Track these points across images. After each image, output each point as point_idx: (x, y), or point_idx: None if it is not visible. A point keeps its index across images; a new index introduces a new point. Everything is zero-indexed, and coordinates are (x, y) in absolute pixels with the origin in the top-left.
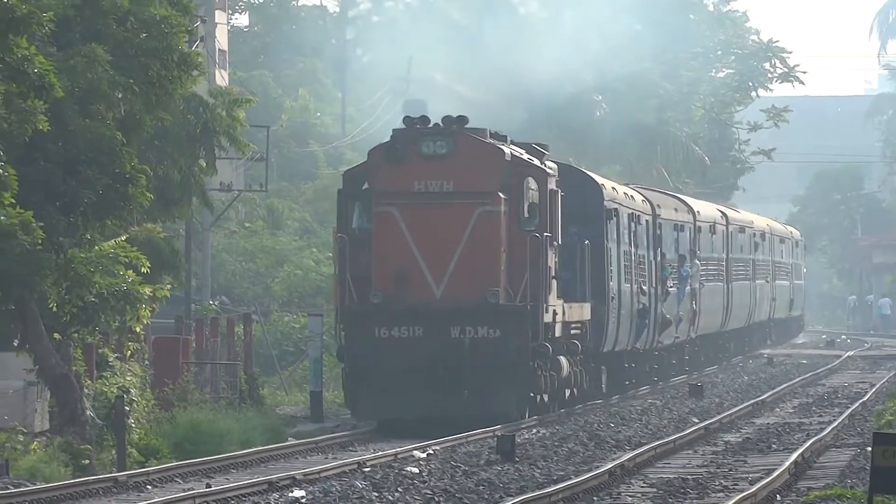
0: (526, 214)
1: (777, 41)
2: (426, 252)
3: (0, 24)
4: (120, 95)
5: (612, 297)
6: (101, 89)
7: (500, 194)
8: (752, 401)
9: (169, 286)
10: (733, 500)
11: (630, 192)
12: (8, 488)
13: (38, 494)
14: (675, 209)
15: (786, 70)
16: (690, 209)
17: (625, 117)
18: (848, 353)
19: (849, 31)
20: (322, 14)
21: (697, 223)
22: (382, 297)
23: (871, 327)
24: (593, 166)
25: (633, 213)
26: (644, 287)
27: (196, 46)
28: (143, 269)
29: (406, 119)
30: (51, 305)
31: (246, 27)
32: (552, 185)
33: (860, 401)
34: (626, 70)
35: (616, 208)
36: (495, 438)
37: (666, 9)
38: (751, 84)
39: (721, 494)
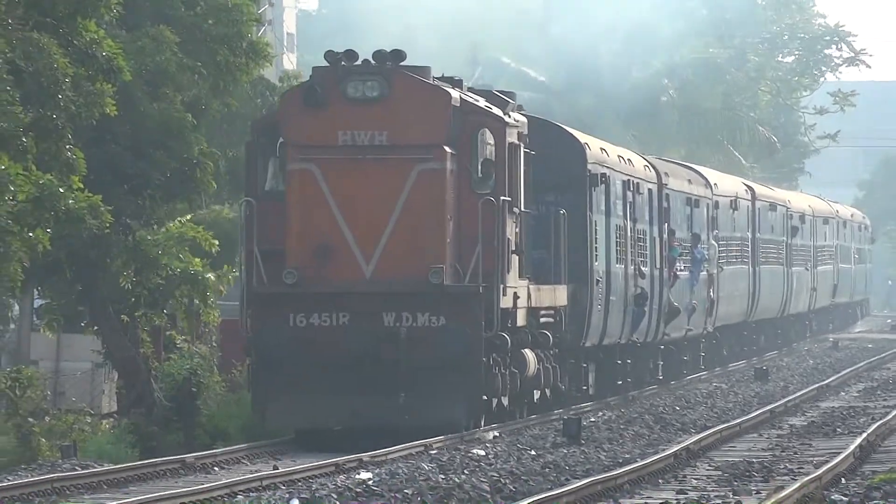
0: (479, 174)
1: (843, 25)
2: (353, 220)
3: (68, 6)
4: (187, 79)
5: (598, 280)
6: (170, 72)
7: (446, 148)
8: (817, 384)
9: (235, 271)
10: (798, 484)
11: (629, 155)
12: (76, 469)
13: (105, 476)
14: (689, 180)
15: (852, 54)
16: (707, 181)
17: (691, 102)
18: None
19: None
20: None
21: (715, 197)
22: (298, 277)
23: None
24: (658, 151)
25: (630, 180)
26: (644, 269)
27: (264, 31)
28: (212, 250)
29: (328, 54)
30: (123, 284)
31: (314, 11)
32: (513, 138)
33: None
34: (693, 55)
35: (605, 173)
36: (562, 421)
37: None
38: (817, 69)
39: (786, 477)
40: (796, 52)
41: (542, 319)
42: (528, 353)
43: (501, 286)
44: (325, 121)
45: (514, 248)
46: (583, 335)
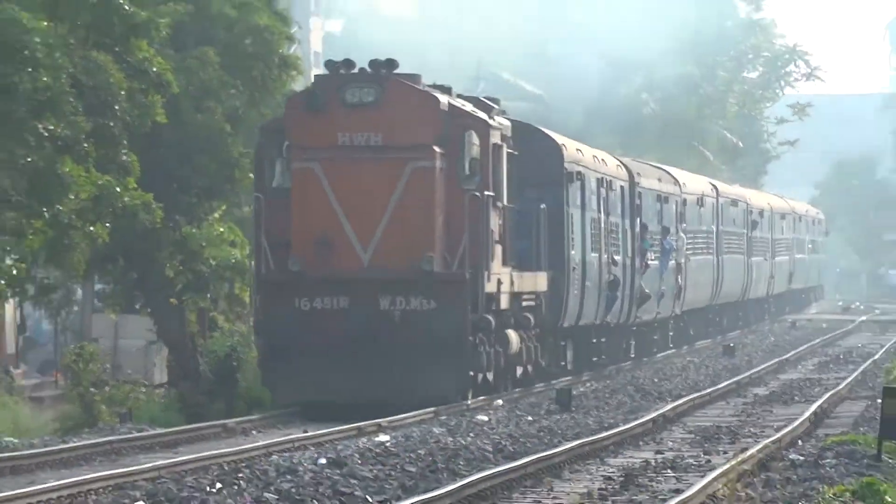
0: (466, 171)
1: (801, 45)
2: (352, 214)
3: (123, 28)
4: (227, 93)
5: (574, 267)
6: (212, 87)
7: (436, 148)
8: (778, 359)
9: None
10: (761, 445)
11: (602, 155)
12: (132, 433)
13: (157, 438)
14: (659, 179)
15: (809, 70)
16: (676, 180)
17: (669, 113)
18: (861, 318)
19: (865, 35)
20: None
21: (683, 194)
22: (302, 265)
23: (882, 296)
24: (640, 156)
25: (603, 177)
26: (616, 258)
27: (295, 48)
28: (245, 249)
29: (328, 63)
30: (168, 275)
31: (338, 32)
32: (497, 139)
33: (871, 359)
34: (671, 72)
35: (580, 171)
36: (555, 391)
37: (706, 17)
38: (778, 83)
39: (750, 440)
40: (760, 69)
41: (524, 303)
42: (512, 333)
43: (486, 273)
44: (326, 124)
45: (497, 239)
46: (561, 317)
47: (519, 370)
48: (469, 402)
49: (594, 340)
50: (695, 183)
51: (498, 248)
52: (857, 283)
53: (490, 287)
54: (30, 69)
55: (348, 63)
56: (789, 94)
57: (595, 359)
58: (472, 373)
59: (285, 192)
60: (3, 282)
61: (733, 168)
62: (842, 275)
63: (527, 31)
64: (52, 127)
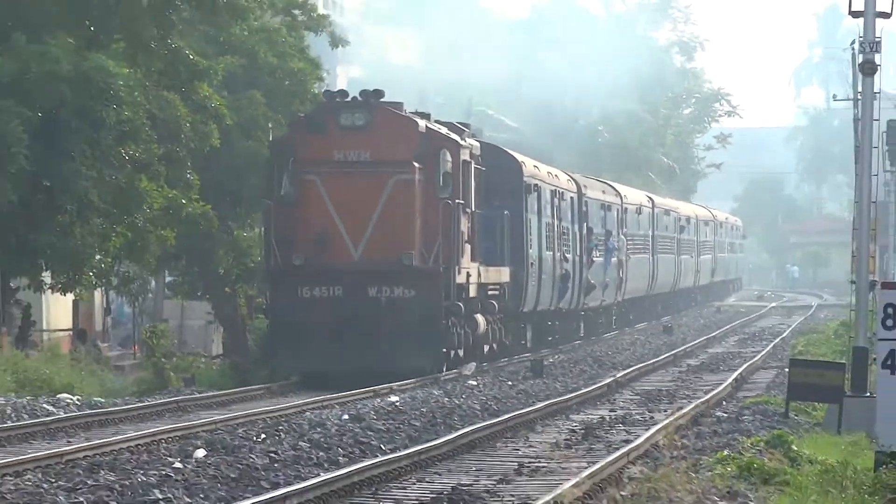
0: (440, 183)
1: (724, 88)
2: (345, 217)
3: (188, 73)
4: (270, 125)
5: (532, 263)
6: (258, 121)
7: (415, 163)
8: (706, 336)
9: None
10: (693, 405)
11: (556, 171)
12: (194, 394)
13: (214, 398)
14: (603, 191)
15: (730, 108)
16: (618, 193)
17: (619, 141)
18: (772, 304)
19: (775, 79)
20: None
21: (624, 204)
22: (304, 259)
23: (787, 286)
24: (597, 175)
25: (556, 189)
26: (567, 255)
27: (323, 88)
28: None
29: (326, 93)
30: (223, 269)
31: (359, 77)
32: (465, 156)
33: (780, 337)
34: (621, 108)
35: (537, 184)
36: (529, 362)
37: (649, 64)
38: (706, 118)
39: (685, 401)
40: (692, 107)
41: (490, 292)
42: (479, 317)
43: (457, 267)
44: (324, 143)
45: (467, 239)
46: (521, 303)
47: (486, 347)
48: (443, 374)
49: (549, 323)
50: (634, 195)
51: (467, 247)
52: (767, 276)
53: (460, 279)
54: (115, 106)
55: (343, 93)
56: (715, 127)
57: (550, 338)
58: (445, 350)
59: (290, 198)
60: (92, 274)
61: (670, 186)
62: (755, 270)
63: (506, 76)
64: (132, 152)
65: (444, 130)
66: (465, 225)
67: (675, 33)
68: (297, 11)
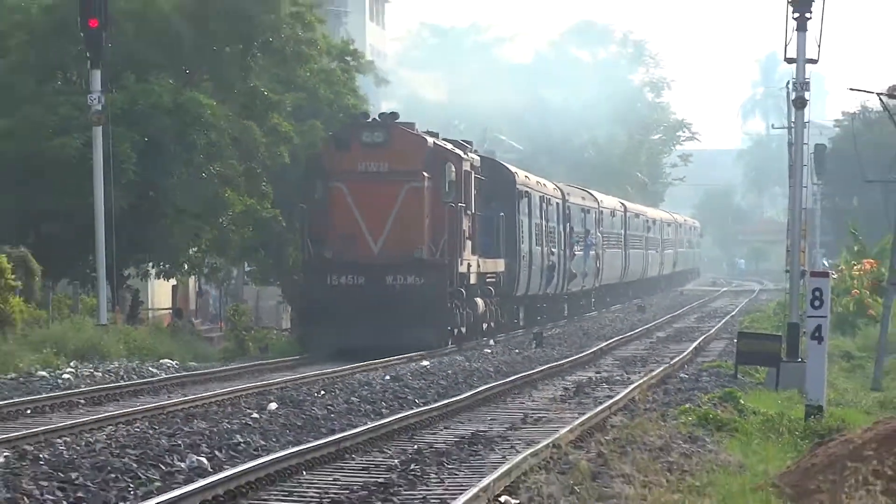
0: (446, 189)
1: (686, 119)
2: (367, 218)
3: (263, 106)
4: None
5: (524, 256)
6: (319, 145)
7: (424, 173)
8: (672, 314)
9: None
10: (661, 368)
11: (544, 181)
12: (268, 359)
13: (284, 363)
14: (583, 197)
15: (691, 134)
16: (595, 199)
17: (603, 160)
18: (723, 289)
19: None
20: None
21: (601, 208)
22: (333, 253)
23: (735, 275)
24: (584, 185)
25: (544, 195)
26: (553, 249)
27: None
28: None
29: (350, 117)
30: (291, 261)
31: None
32: (466, 167)
33: (730, 315)
34: (604, 133)
35: (527, 191)
36: (532, 334)
37: (627, 99)
38: (672, 142)
39: (655, 365)
40: (660, 133)
41: (488, 279)
42: (479, 300)
43: (460, 259)
44: (350, 157)
45: (468, 236)
46: (514, 289)
47: (485, 325)
48: (447, 348)
49: (538, 305)
50: (609, 201)
51: (468, 242)
52: (720, 267)
53: (462, 269)
54: (205, 132)
55: (364, 115)
56: (678, 149)
57: (539, 318)
58: (449, 328)
59: (322, 203)
60: (186, 265)
61: (643, 195)
62: (710, 262)
63: (514, 108)
64: (218, 168)
65: (449, 146)
66: (466, 224)
67: (646, 75)
68: (348, 58)
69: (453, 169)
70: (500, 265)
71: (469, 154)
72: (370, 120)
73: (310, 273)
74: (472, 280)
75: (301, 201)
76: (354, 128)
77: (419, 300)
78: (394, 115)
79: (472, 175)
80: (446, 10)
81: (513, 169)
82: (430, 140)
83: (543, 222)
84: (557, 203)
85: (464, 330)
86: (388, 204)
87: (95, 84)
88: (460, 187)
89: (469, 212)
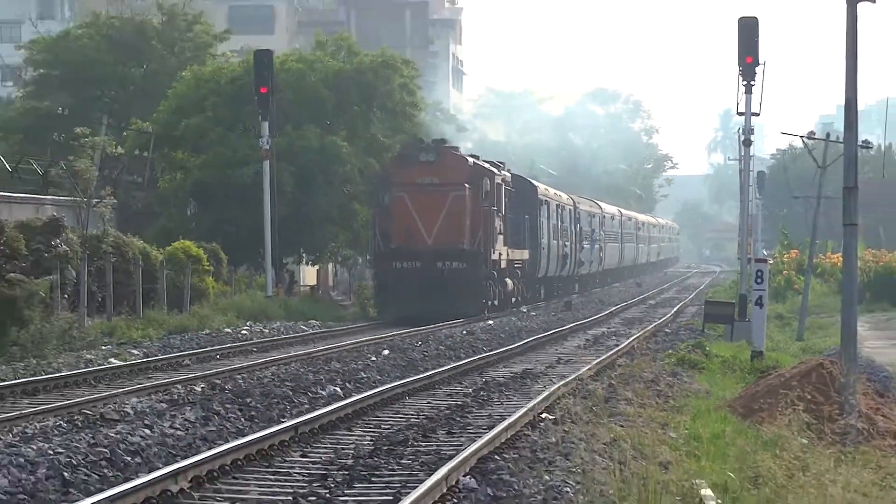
0: (482, 197)
1: (669, 153)
2: (422, 218)
3: (379, 147)
4: None
5: (544, 248)
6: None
7: (466, 185)
8: (659, 287)
9: None
10: (653, 325)
11: (560, 192)
12: (380, 321)
13: (393, 323)
14: (590, 206)
15: (673, 164)
16: (599, 206)
17: (611, 182)
18: (694, 271)
19: (697, 147)
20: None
21: (603, 213)
22: (397, 245)
23: (703, 262)
24: (596, 199)
25: (559, 204)
26: (567, 243)
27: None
28: None
29: (411, 140)
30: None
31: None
32: (498, 181)
33: (699, 289)
34: (613, 164)
35: (547, 200)
36: (563, 302)
37: (628, 141)
38: (659, 169)
39: (647, 323)
40: (651, 163)
41: (516, 265)
42: (508, 280)
43: (492, 249)
44: (410, 172)
45: (499, 232)
46: (536, 272)
47: (514, 299)
48: (485, 315)
49: (555, 284)
50: (609, 208)
51: (500, 237)
52: (693, 256)
53: (494, 257)
54: (341, 165)
55: (421, 140)
56: (664, 175)
57: (556, 294)
58: (484, 301)
59: (388, 207)
60: (328, 255)
61: (639, 206)
62: (686, 252)
63: (551, 147)
64: (349, 189)
65: (486, 165)
66: (498, 223)
67: (642, 124)
68: (438, 112)
69: (488, 182)
70: (525, 254)
71: (502, 171)
72: (425, 144)
73: (379, 260)
74: (503, 265)
75: (372, 206)
76: (413, 149)
77: (461, 280)
78: (443, 140)
79: (503, 187)
80: (506, 78)
81: (535, 183)
82: (471, 160)
83: (559, 223)
84: (570, 209)
85: (496, 302)
86: (438, 207)
87: (264, 131)
88: (493, 196)
89: (500, 214)
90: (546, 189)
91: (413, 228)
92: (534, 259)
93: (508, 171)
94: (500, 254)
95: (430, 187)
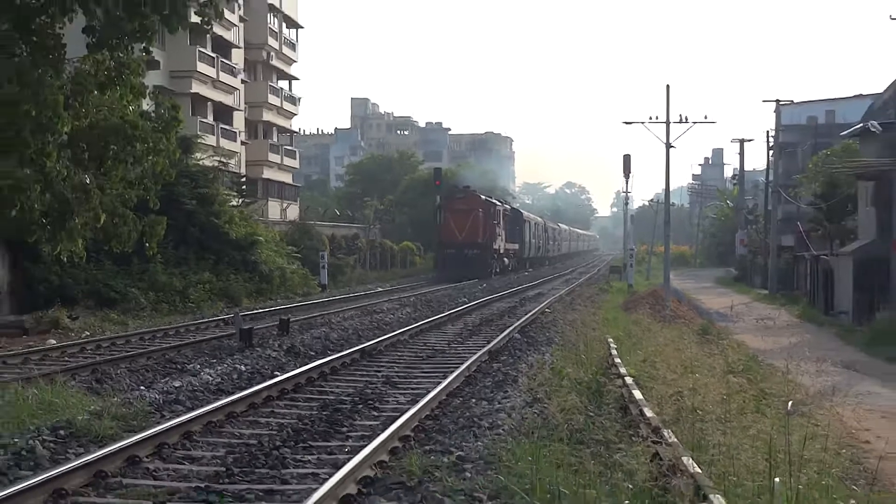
0: (490, 216)
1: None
2: (458, 227)
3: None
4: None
5: (526, 242)
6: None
7: (480, 209)
8: (593, 262)
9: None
10: (589, 274)
11: (536, 216)
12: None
13: (434, 286)
14: (554, 224)
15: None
16: (557, 224)
17: (563, 213)
18: (607, 255)
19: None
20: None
21: (559, 227)
22: (447, 241)
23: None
24: (556, 221)
25: (535, 222)
26: (541, 241)
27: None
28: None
29: (454, 186)
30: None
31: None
32: (498, 208)
33: (606, 261)
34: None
35: (527, 219)
36: (547, 265)
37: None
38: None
39: (589, 275)
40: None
41: (510, 252)
42: (506, 259)
43: (497, 243)
44: (453, 202)
45: (499, 234)
46: (523, 255)
47: (509, 269)
48: (492, 278)
49: (533, 261)
50: (561, 225)
51: (500, 237)
52: (611, 249)
53: (496, 247)
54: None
55: (457, 184)
56: (594, 216)
57: (533, 266)
58: (489, 271)
59: (441, 223)
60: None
61: (583, 227)
62: (604, 248)
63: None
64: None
65: (494, 200)
66: (499, 231)
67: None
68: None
69: (492, 208)
70: (515, 246)
71: (502, 204)
72: (461, 188)
73: (439, 249)
74: (502, 251)
75: (435, 222)
76: (455, 190)
77: (478, 260)
78: (469, 187)
79: (502, 212)
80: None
81: (522, 211)
82: (484, 197)
83: (535, 230)
84: (540, 224)
85: (497, 271)
86: (466, 222)
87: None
88: (497, 216)
89: (500, 226)
90: (529, 215)
91: (452, 234)
92: (521, 248)
93: (507, 203)
94: (500, 245)
95: (462, 211)
